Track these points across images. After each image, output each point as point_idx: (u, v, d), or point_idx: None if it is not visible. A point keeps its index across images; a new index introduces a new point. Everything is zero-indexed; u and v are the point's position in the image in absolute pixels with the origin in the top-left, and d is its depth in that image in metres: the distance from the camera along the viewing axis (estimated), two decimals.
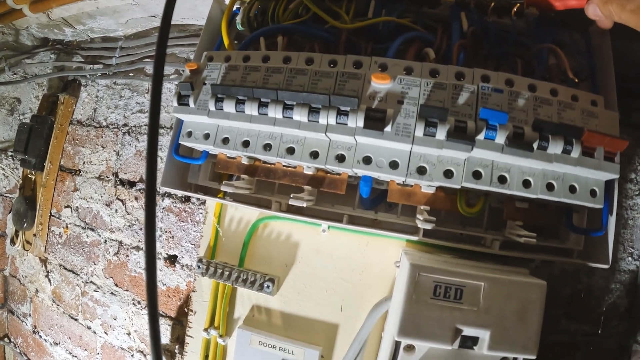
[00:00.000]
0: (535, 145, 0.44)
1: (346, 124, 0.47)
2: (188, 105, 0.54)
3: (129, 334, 0.94)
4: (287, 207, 0.62)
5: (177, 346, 0.84)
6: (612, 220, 0.52)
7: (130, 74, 1.07)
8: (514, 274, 0.51)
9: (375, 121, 0.46)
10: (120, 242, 0.98)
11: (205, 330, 0.68)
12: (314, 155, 0.50)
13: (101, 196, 1.03)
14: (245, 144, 0.53)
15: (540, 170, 0.47)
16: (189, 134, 0.57)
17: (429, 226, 0.51)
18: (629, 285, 0.68)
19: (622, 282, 0.68)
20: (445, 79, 0.48)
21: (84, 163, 1.07)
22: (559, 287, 0.67)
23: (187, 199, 0.91)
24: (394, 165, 0.48)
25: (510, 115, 0.45)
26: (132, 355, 0.93)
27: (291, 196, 0.54)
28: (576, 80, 0.53)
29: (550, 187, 0.47)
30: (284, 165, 0.57)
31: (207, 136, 0.56)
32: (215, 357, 0.68)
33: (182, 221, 0.91)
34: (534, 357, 0.47)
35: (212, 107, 0.52)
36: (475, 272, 0.49)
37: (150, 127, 0.37)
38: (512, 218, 0.52)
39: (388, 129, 0.46)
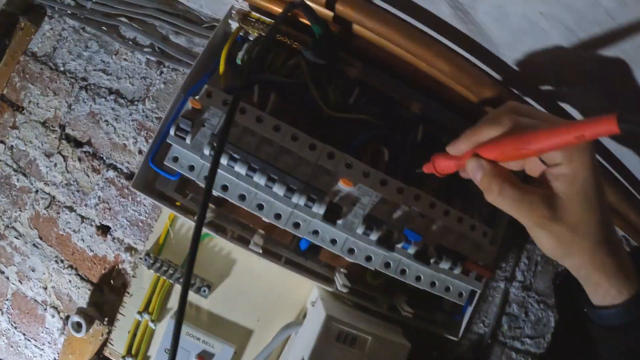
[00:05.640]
0: (432, 260, 0.64)
1: (311, 208, 0.61)
2: (184, 140, 0.62)
3: (45, 288, 0.98)
4: (238, 237, 0.74)
5: (96, 312, 0.92)
6: (469, 310, 0.75)
7: (103, 28, 1.05)
8: (391, 332, 0.71)
9: (333, 214, 0.61)
10: (54, 198, 0.99)
11: (139, 313, 0.78)
12: (277, 217, 0.63)
13: (42, 144, 1.01)
14: (224, 188, 0.64)
15: (430, 273, 0.67)
16: (175, 159, 0.65)
17: (344, 290, 0.68)
18: (475, 343, 0.95)
19: (471, 340, 0.95)
20: (388, 194, 0.64)
21: (29, 102, 1.03)
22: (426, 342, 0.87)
23: (131, 177, 0.96)
24: (333, 242, 0.64)
25: (423, 235, 0.64)
26: (45, 310, 0.98)
27: (252, 241, 0.67)
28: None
29: (433, 284, 0.68)
30: None
31: (191, 168, 0.64)
32: (143, 337, 0.79)
33: (123, 197, 0.96)
34: None
35: (206, 152, 0.61)
36: (366, 328, 0.68)
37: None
38: (402, 293, 0.73)
39: (340, 222, 0.61)
